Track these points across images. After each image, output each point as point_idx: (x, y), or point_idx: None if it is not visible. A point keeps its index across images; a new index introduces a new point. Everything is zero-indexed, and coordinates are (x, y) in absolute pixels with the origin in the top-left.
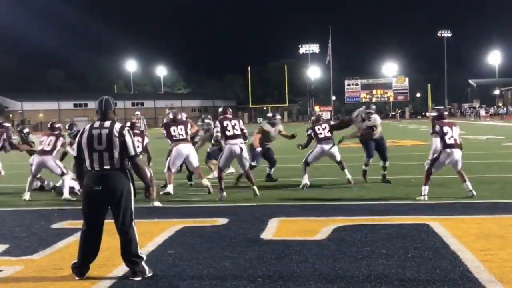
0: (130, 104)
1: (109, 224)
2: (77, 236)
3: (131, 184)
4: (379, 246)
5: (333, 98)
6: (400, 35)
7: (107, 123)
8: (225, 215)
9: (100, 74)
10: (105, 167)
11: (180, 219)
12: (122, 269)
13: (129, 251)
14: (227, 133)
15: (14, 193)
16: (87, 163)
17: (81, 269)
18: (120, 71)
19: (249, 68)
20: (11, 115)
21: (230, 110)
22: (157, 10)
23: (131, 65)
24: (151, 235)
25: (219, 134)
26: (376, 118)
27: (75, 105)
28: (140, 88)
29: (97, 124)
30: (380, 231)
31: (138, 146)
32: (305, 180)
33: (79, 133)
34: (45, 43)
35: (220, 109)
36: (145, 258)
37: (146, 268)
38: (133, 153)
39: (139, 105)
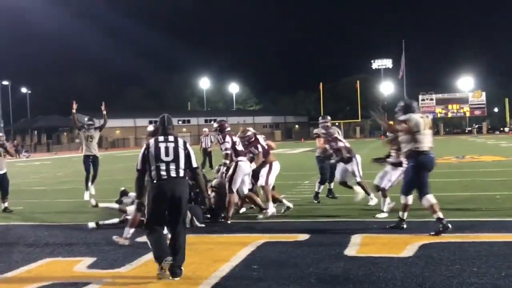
0: (203, 120)
1: (191, 238)
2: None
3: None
4: (469, 264)
5: None
6: (476, 48)
7: (171, 138)
8: (305, 231)
9: (175, 92)
10: (172, 176)
11: (260, 234)
12: (207, 282)
13: (179, 246)
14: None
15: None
16: (154, 173)
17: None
18: (193, 88)
19: (321, 84)
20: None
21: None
22: (229, 29)
23: (204, 83)
24: (234, 250)
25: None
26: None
27: (150, 122)
28: (213, 105)
29: (161, 138)
30: (469, 249)
31: None
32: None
33: (145, 148)
34: (124, 64)
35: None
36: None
37: (182, 270)
38: (195, 164)
39: (212, 122)
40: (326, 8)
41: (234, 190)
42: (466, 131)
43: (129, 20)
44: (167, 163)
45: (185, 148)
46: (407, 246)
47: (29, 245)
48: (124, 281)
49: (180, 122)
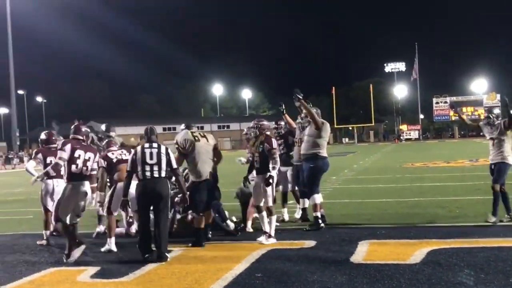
0: (217, 126)
1: (196, 250)
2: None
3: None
4: (477, 270)
5: (421, 116)
6: (490, 50)
7: (154, 145)
8: (312, 238)
9: (188, 99)
10: (155, 176)
11: None
12: None
13: (162, 235)
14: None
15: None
16: (140, 173)
17: (147, 248)
18: (207, 95)
19: (333, 88)
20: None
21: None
22: (241, 35)
23: (217, 89)
24: (239, 258)
25: None
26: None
27: (164, 129)
28: (226, 111)
29: (147, 145)
30: (477, 254)
31: None
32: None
33: (133, 153)
34: (137, 72)
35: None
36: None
37: (168, 255)
38: (175, 166)
39: (225, 128)
40: (339, 12)
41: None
42: (481, 134)
43: (141, 28)
44: (151, 166)
45: (167, 154)
46: (415, 252)
47: (35, 255)
48: None
49: (193, 129)
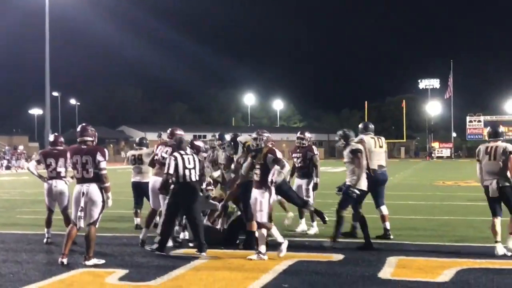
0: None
1: (225, 254)
2: (193, 264)
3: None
4: None
5: (454, 134)
6: None
7: (189, 151)
8: (340, 251)
9: (220, 107)
10: (193, 180)
11: (294, 252)
12: None
13: (197, 232)
14: None
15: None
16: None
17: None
18: (238, 104)
19: (366, 102)
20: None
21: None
22: (275, 46)
23: (249, 99)
24: (266, 268)
25: None
26: None
27: (194, 136)
28: (257, 121)
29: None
30: (508, 275)
31: None
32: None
33: (174, 158)
34: (170, 78)
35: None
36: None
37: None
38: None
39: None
40: (373, 27)
41: None
42: None
43: (176, 36)
44: (189, 170)
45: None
46: (444, 271)
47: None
48: None
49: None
